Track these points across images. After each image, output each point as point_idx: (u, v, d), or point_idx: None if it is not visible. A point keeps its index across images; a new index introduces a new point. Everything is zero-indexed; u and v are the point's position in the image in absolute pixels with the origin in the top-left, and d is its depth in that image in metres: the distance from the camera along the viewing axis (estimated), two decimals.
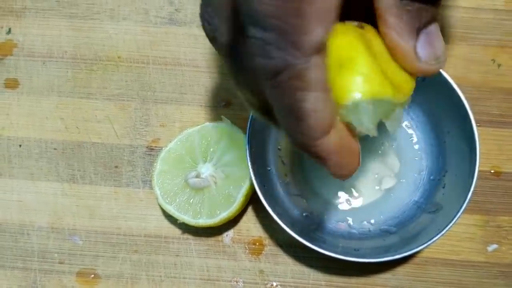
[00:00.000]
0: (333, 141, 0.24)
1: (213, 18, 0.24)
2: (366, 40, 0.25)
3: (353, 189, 0.47)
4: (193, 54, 0.52)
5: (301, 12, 0.20)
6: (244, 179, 0.45)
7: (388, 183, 0.46)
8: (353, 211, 0.46)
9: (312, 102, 0.22)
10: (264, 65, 0.21)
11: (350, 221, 0.46)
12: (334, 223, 0.46)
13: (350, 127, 0.25)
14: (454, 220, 0.39)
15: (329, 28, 0.21)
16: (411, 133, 0.47)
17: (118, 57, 0.52)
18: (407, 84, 0.26)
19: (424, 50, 0.25)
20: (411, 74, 0.26)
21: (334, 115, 0.24)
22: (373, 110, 0.25)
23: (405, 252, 0.39)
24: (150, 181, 0.48)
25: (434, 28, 0.26)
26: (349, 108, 0.24)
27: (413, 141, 0.47)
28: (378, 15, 0.25)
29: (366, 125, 0.25)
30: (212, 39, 0.24)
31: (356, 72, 0.24)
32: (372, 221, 0.46)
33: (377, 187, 0.46)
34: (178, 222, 0.45)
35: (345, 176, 0.26)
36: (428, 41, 0.25)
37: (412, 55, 0.25)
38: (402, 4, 0.24)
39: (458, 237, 0.47)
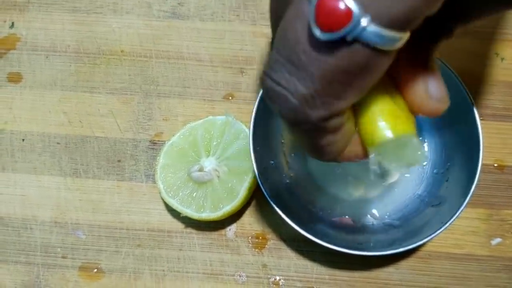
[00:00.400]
0: (347, 153, 0.26)
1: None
2: (384, 82, 0.26)
3: (356, 183, 0.46)
4: (196, 48, 0.52)
5: (351, 83, 0.21)
6: (247, 172, 0.45)
7: (392, 177, 0.46)
8: (356, 205, 0.46)
9: (327, 141, 0.24)
10: (286, 115, 0.22)
11: (354, 215, 0.46)
12: (337, 217, 0.46)
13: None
14: (457, 214, 0.39)
15: (356, 100, 0.23)
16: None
17: (121, 51, 0.52)
18: (413, 125, 0.27)
19: (435, 88, 0.26)
20: (420, 114, 0.27)
21: (349, 137, 0.25)
22: (396, 150, 0.26)
23: (409, 245, 0.39)
24: (153, 175, 0.48)
25: (436, 67, 0.26)
26: (375, 151, 0.26)
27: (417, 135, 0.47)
28: None
29: (395, 165, 0.26)
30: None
31: (377, 117, 0.25)
32: (376, 214, 0.46)
33: (381, 181, 0.46)
34: (181, 216, 0.45)
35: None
36: (436, 80, 0.26)
37: (425, 94, 0.26)
38: (413, 44, 0.24)
39: (462, 230, 0.47)
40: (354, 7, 0.18)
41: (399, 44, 0.20)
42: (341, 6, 0.18)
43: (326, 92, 0.21)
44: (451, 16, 0.26)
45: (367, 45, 0.19)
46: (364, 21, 0.18)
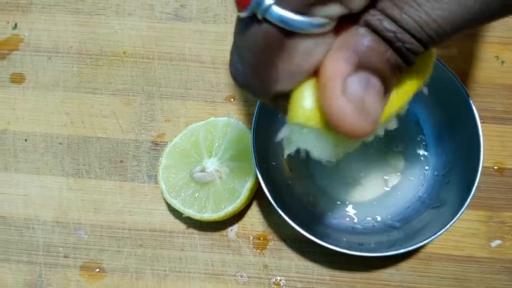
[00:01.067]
0: None
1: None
2: None
3: (358, 185, 0.47)
4: (198, 49, 0.52)
5: (275, 64, 0.21)
6: (249, 173, 0.45)
7: (393, 179, 0.46)
8: (357, 206, 0.46)
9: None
10: (241, 88, 0.24)
11: (355, 216, 0.46)
12: (338, 218, 0.46)
13: None
14: (458, 216, 0.39)
15: (295, 84, 0.23)
16: (415, 130, 0.47)
17: (124, 53, 0.52)
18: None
19: (358, 85, 0.20)
20: (329, 117, 0.21)
21: None
22: (303, 135, 0.24)
23: (409, 247, 0.40)
24: (155, 175, 0.49)
25: (380, 84, 0.20)
26: (289, 128, 0.25)
27: (418, 138, 0.47)
28: None
29: (300, 146, 0.25)
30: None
31: (300, 98, 0.24)
32: (376, 216, 0.46)
33: (381, 184, 0.47)
34: (183, 216, 0.45)
35: None
36: (368, 83, 0.20)
37: (337, 76, 0.20)
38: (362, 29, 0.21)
39: (462, 232, 0.47)
40: None
41: (317, 30, 0.20)
42: None
43: (257, 71, 0.22)
44: None
45: (276, 26, 0.20)
46: (268, 1, 0.20)
